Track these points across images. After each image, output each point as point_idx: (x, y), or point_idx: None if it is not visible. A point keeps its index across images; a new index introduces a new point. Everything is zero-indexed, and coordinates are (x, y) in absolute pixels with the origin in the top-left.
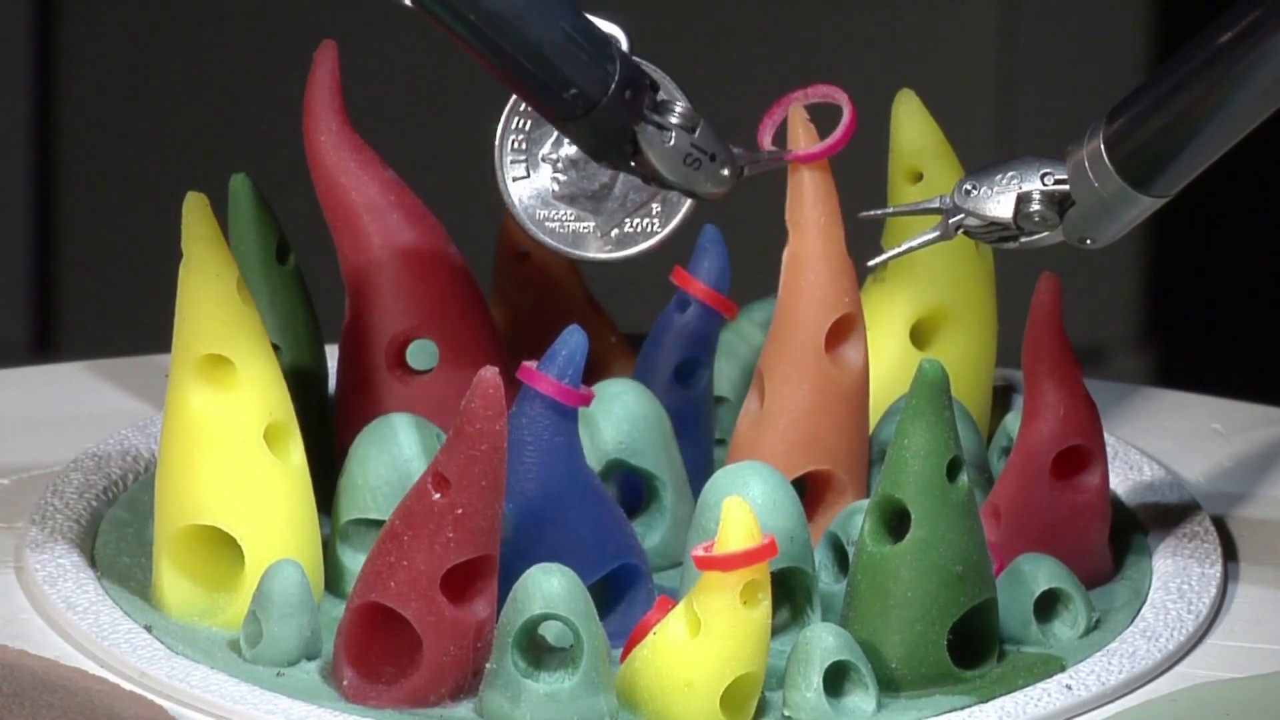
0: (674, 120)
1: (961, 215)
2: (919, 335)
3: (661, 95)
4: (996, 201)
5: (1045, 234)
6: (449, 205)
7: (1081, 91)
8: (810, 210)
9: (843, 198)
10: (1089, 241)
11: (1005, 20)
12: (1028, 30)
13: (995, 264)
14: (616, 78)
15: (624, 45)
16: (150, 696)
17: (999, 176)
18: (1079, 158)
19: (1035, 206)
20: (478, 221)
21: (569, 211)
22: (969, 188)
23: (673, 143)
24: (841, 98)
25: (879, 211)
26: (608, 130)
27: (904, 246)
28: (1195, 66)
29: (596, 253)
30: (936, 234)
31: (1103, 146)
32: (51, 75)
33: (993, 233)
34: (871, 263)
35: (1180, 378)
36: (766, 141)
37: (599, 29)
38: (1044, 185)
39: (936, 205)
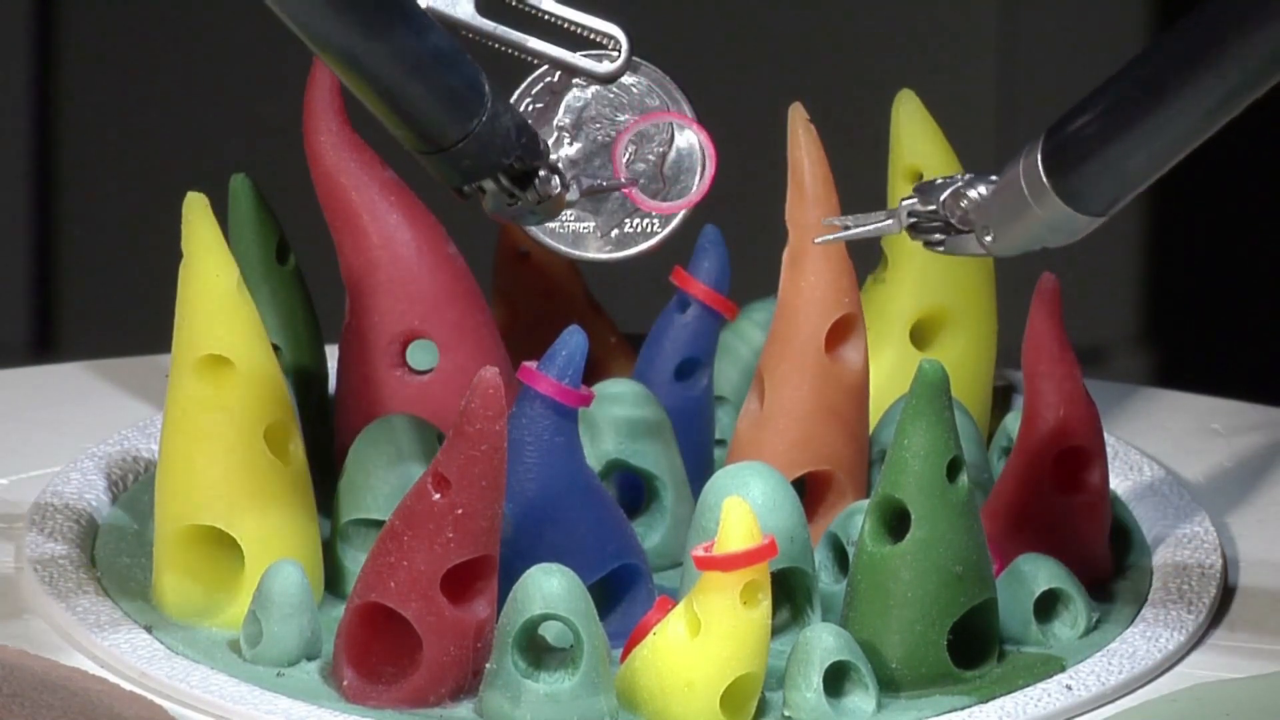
0: (529, 196)
1: (914, 200)
2: (919, 335)
3: (536, 164)
4: (943, 189)
5: (968, 236)
6: (449, 205)
7: (1081, 92)
8: (810, 210)
9: (843, 198)
10: (989, 238)
11: (1005, 20)
12: (1028, 30)
13: (995, 264)
14: (456, 144)
15: (624, 45)
16: (150, 696)
17: (963, 175)
18: (1015, 169)
19: (967, 198)
20: (478, 221)
21: (569, 211)
22: (939, 181)
23: (515, 206)
24: (706, 146)
25: (839, 220)
26: (442, 170)
27: (853, 231)
28: (1136, 88)
29: (596, 253)
30: (889, 222)
31: (1040, 160)
32: (51, 75)
33: (927, 221)
34: (818, 239)
35: (1180, 378)
36: (620, 157)
37: (464, 97)
38: (984, 189)
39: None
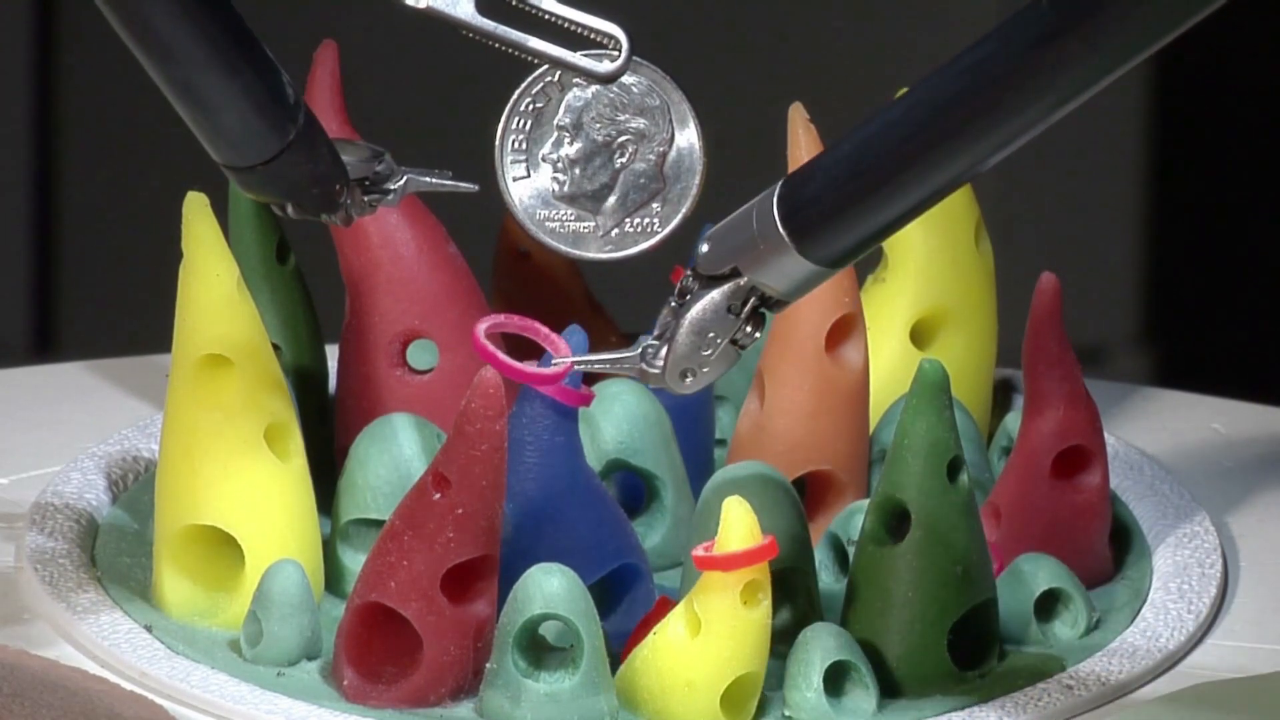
0: (337, 219)
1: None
2: (919, 335)
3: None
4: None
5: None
6: (449, 205)
7: None
8: None
9: None
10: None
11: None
12: None
13: (995, 264)
14: (255, 165)
15: (624, 45)
16: (150, 696)
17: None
18: (749, 214)
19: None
20: (478, 221)
21: (569, 211)
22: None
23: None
24: (557, 344)
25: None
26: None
27: (595, 358)
28: (880, 147)
29: (596, 253)
30: (630, 354)
31: (775, 206)
32: (51, 75)
33: (660, 338)
34: (552, 362)
35: (1180, 378)
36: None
37: (273, 119)
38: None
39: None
